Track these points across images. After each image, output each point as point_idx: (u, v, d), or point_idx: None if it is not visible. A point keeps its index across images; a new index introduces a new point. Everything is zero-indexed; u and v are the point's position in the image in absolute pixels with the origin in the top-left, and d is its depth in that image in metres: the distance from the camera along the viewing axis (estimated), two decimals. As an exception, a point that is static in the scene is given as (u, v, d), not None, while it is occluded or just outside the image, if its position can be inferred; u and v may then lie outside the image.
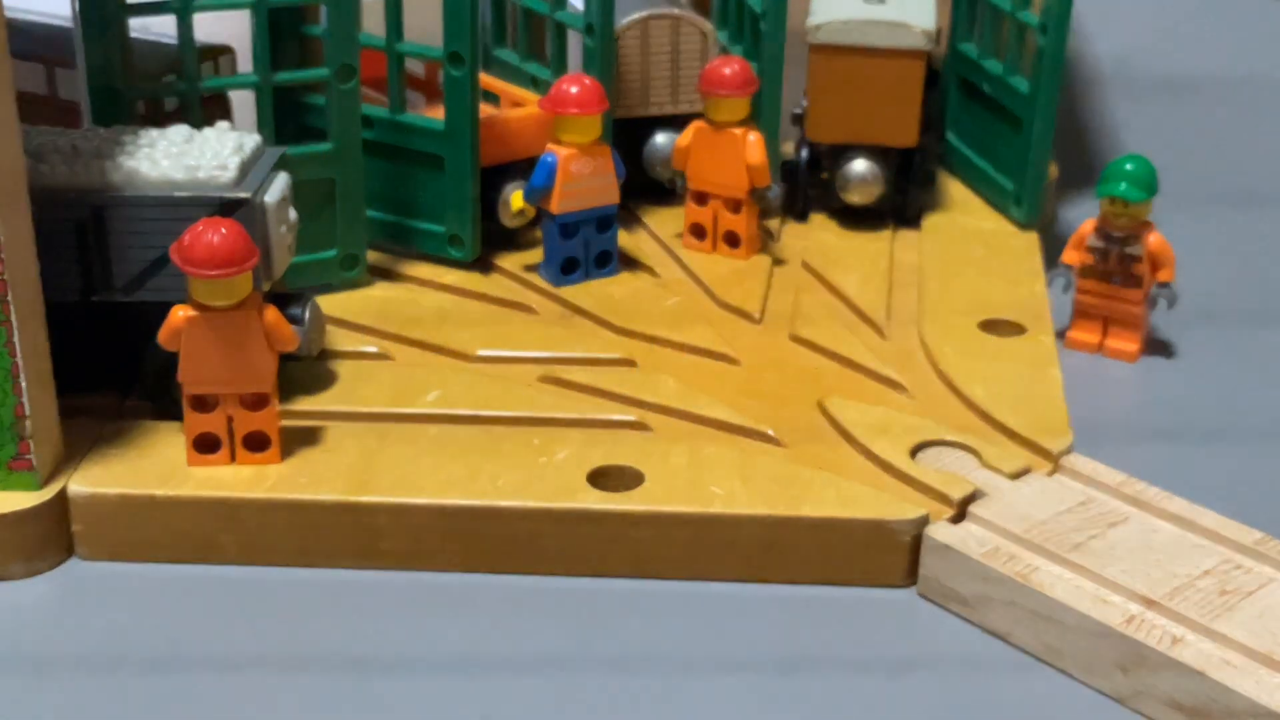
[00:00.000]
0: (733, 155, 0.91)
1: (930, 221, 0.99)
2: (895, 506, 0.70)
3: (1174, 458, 0.78)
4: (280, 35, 0.86)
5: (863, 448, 0.74)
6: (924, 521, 0.69)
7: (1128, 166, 0.85)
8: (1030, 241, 0.97)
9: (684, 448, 0.74)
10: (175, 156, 0.73)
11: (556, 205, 0.88)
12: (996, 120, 1.01)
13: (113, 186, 0.72)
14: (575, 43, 0.94)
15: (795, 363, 0.83)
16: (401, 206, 0.90)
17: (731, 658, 0.66)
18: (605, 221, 0.90)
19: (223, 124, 0.77)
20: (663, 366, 0.81)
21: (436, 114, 0.89)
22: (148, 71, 0.85)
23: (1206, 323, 0.91)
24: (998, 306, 0.88)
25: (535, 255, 0.91)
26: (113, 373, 0.75)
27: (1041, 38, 0.94)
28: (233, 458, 0.72)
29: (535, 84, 0.97)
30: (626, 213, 0.96)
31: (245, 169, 0.74)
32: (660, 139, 0.98)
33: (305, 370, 0.78)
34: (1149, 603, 0.65)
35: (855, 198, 0.98)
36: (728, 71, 0.90)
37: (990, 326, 0.86)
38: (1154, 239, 0.85)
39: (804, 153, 0.99)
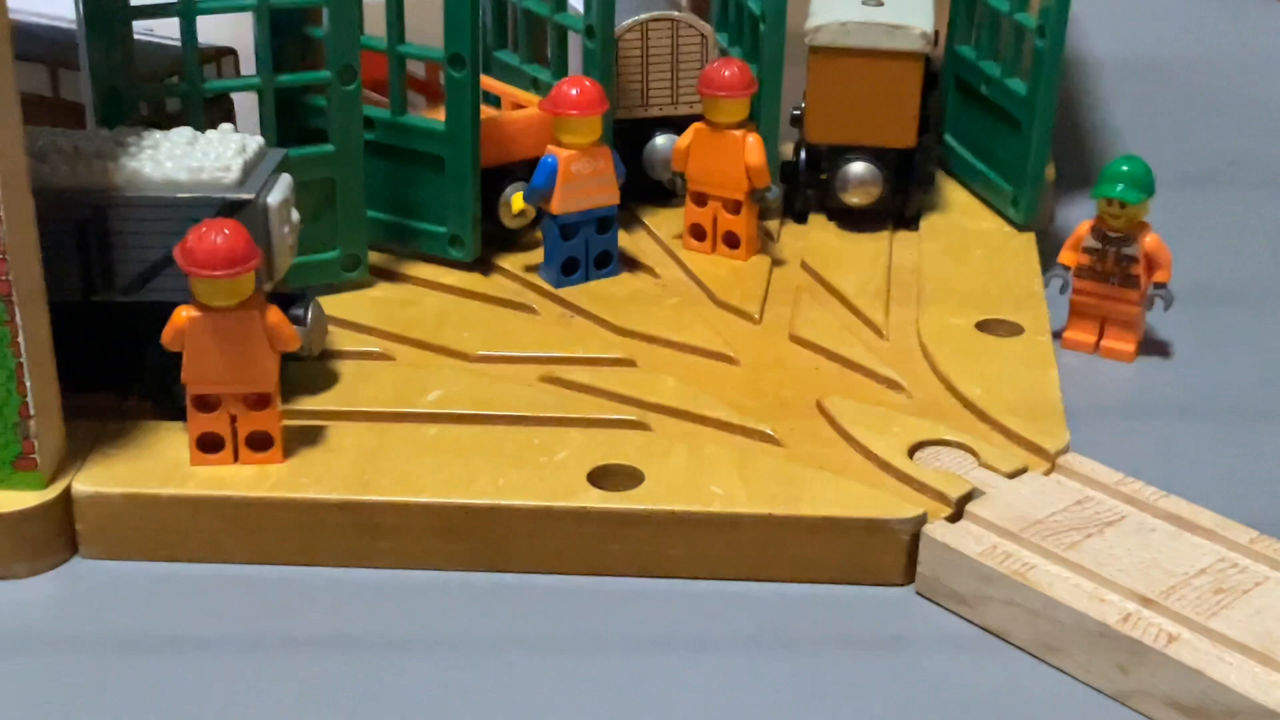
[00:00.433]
0: (732, 156, 0.91)
1: (928, 222, 1.00)
2: (893, 505, 0.70)
3: (1170, 457, 0.78)
4: (282, 37, 0.86)
5: (861, 447, 0.75)
6: (922, 520, 0.70)
7: (1124, 168, 0.85)
8: (1028, 242, 0.97)
9: (684, 447, 0.74)
10: (178, 158, 0.74)
11: (557, 206, 0.88)
12: (994, 122, 1.01)
13: (116, 187, 0.73)
14: (576, 45, 0.95)
15: (794, 363, 0.83)
16: (403, 207, 0.91)
17: (731, 656, 0.66)
18: (605, 222, 0.90)
19: (225, 126, 0.78)
20: (663, 366, 0.82)
21: (437, 115, 0.90)
22: (151, 73, 0.85)
23: (1203, 323, 0.92)
24: (995, 307, 0.88)
25: (536, 256, 0.91)
26: (116, 373, 0.76)
27: (1039, 40, 0.94)
28: (235, 457, 0.72)
29: (536, 86, 0.97)
30: (627, 214, 0.96)
31: (248, 170, 0.74)
32: (660, 140, 0.98)
33: (307, 370, 0.79)
34: (1146, 601, 0.65)
35: (854, 199, 0.98)
36: (727, 73, 0.90)
37: (988, 326, 0.86)
38: (1150, 240, 0.86)
39: (803, 154, 0.99)
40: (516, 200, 0.91)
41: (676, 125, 0.96)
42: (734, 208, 0.93)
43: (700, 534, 0.70)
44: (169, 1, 0.81)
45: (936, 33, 0.96)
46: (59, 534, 0.70)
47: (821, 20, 0.96)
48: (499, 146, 0.90)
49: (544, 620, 0.68)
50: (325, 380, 0.79)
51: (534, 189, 0.88)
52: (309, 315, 0.77)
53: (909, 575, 0.70)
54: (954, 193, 1.04)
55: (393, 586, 0.70)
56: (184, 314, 0.69)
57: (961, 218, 1.01)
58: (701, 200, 0.93)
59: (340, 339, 0.83)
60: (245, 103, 0.89)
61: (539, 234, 0.91)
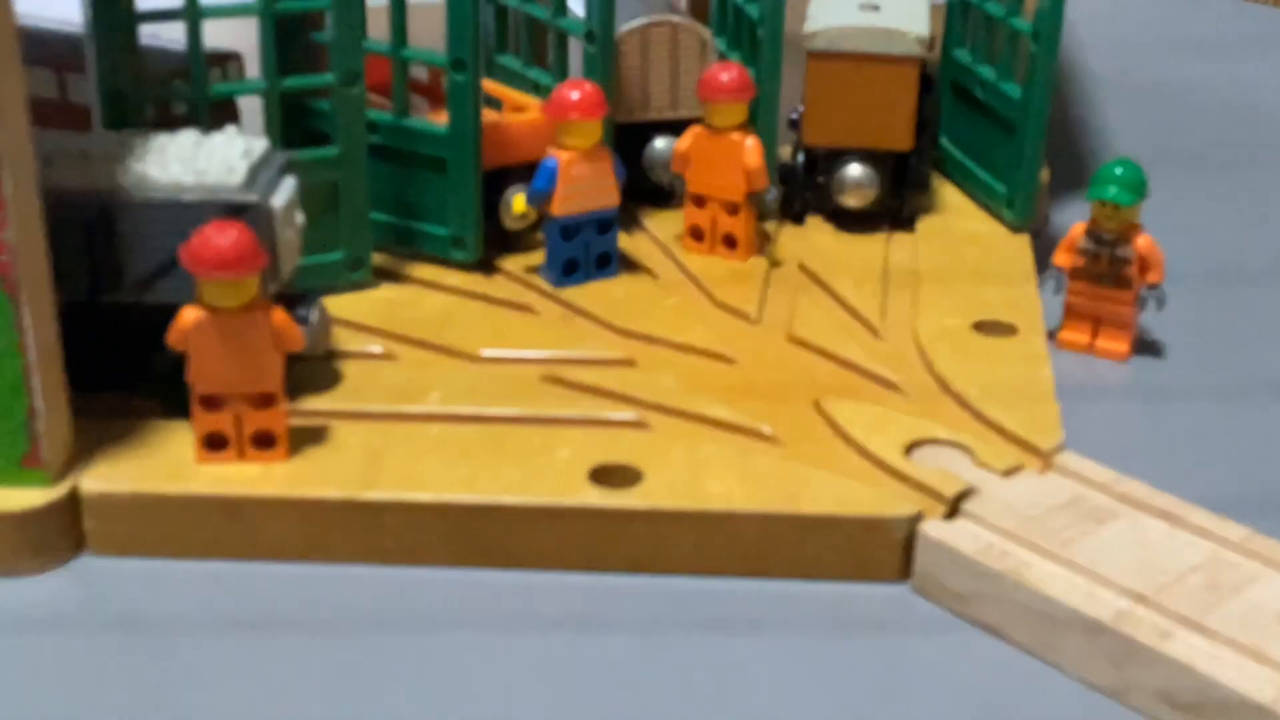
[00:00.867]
0: (731, 159, 0.92)
1: (924, 224, 1.00)
2: (890, 503, 0.71)
3: (1163, 456, 0.78)
4: (287, 42, 0.86)
5: (858, 446, 0.75)
6: (918, 518, 0.70)
7: (1118, 170, 0.86)
8: (1022, 244, 0.97)
9: (683, 446, 0.75)
10: (184, 160, 0.74)
11: (558, 208, 0.88)
12: (989, 125, 1.01)
13: (122, 189, 0.73)
14: (576, 49, 0.95)
15: (792, 362, 0.84)
16: (406, 209, 0.91)
17: (728, 653, 0.66)
18: (605, 224, 0.90)
19: (231, 129, 0.78)
20: (662, 366, 0.82)
21: (440, 119, 0.90)
22: (157, 77, 0.86)
23: (1197, 323, 0.92)
24: (990, 308, 0.88)
25: (537, 257, 0.92)
26: (122, 373, 0.76)
27: (1033, 44, 0.95)
28: (241, 455, 0.72)
29: (537, 89, 0.98)
30: (626, 215, 0.96)
31: (253, 173, 0.75)
32: (660, 143, 0.98)
33: (312, 370, 0.79)
34: (1139, 598, 0.65)
35: (851, 201, 0.98)
36: (725, 77, 0.91)
37: (983, 327, 0.87)
38: (1143, 241, 0.86)
39: (800, 157, 0.99)
40: (518, 202, 0.91)
41: (676, 128, 0.96)
42: (732, 209, 0.93)
43: (699, 532, 0.70)
44: (175, 6, 0.82)
45: (932, 37, 0.97)
46: (66, 532, 0.70)
47: (819, 25, 0.96)
48: (500, 149, 0.90)
49: (545, 617, 0.68)
50: (329, 380, 0.79)
51: (535, 191, 0.89)
52: (314, 316, 0.77)
53: (905, 573, 0.71)
54: (949, 195, 1.04)
55: (396, 583, 0.70)
56: (190, 315, 0.70)
57: (957, 219, 1.01)
58: (700, 202, 0.94)
59: (344, 339, 0.83)
60: (250, 106, 0.89)
61: (540, 235, 0.92)
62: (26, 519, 0.69)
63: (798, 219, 1.00)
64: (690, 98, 0.98)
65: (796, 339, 0.85)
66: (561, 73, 0.96)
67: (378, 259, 0.90)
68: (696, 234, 0.95)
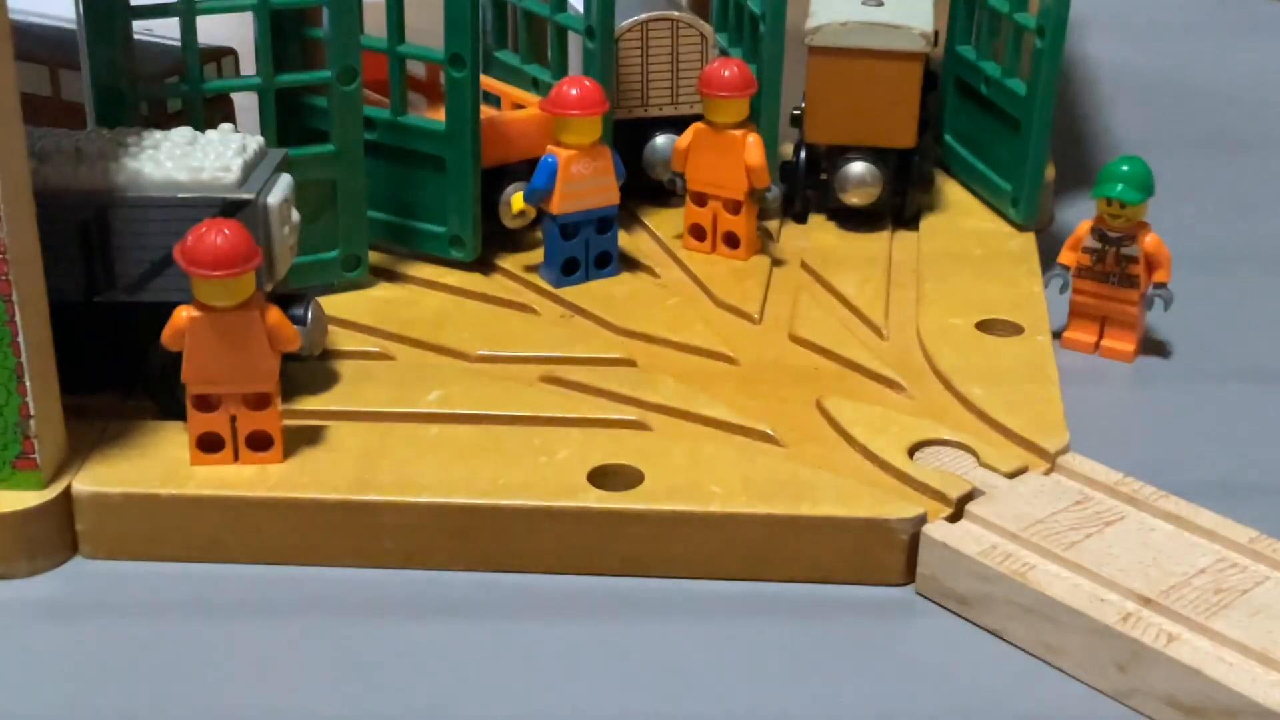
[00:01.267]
0: (732, 157, 0.92)
1: (928, 222, 1.00)
2: (893, 505, 0.70)
3: (1169, 457, 0.78)
4: (283, 37, 0.86)
5: (861, 447, 0.75)
6: (922, 520, 0.70)
7: (1124, 168, 0.85)
8: (1027, 242, 0.97)
9: (683, 447, 0.74)
10: (179, 158, 0.74)
11: (557, 206, 0.88)
12: (994, 122, 1.01)
13: (116, 187, 0.73)
14: (576, 45, 0.95)
15: (794, 362, 0.83)
16: (403, 207, 0.91)
17: (730, 656, 0.66)
18: (605, 222, 0.90)
19: (226, 126, 0.78)
20: (663, 366, 0.82)
21: (438, 116, 0.90)
22: (151, 73, 0.85)
23: (1202, 322, 0.92)
24: (995, 307, 0.88)
25: (536, 256, 0.92)
26: (117, 373, 0.76)
27: (1039, 40, 0.95)
28: (235, 457, 0.72)
29: (536, 86, 0.97)
30: (626, 214, 0.96)
31: (248, 170, 0.74)
32: (660, 140, 0.98)
33: (307, 370, 0.79)
34: (1145, 601, 0.65)
35: (854, 199, 0.98)
36: (727, 74, 0.90)
37: (987, 326, 0.86)
38: (1150, 240, 0.86)
39: (803, 154, 0.99)
40: (516, 200, 0.91)
41: (676, 125, 0.96)
42: (734, 208, 0.93)
43: (700, 534, 0.70)
44: (169, 1, 0.81)
45: (936, 33, 0.96)
46: (59, 533, 0.70)
47: (821, 20, 0.96)
48: (499, 147, 0.90)
49: (544, 620, 0.68)
50: (326, 380, 0.79)
51: (534, 189, 0.88)
52: (309, 315, 0.77)
53: (909, 575, 0.70)
54: (953, 193, 1.04)
55: (393, 586, 0.70)
56: (184, 314, 0.69)
57: (961, 218, 1.01)
58: (701, 200, 0.94)
59: (340, 339, 0.83)
60: (245, 103, 0.89)
61: (539, 234, 0.91)
62: (19, 520, 0.69)
63: (800, 217, 1.00)
64: (691, 94, 0.98)
65: (798, 338, 0.85)
66: (561, 69, 0.96)
67: (375, 258, 0.90)
68: (697, 232, 0.94)
